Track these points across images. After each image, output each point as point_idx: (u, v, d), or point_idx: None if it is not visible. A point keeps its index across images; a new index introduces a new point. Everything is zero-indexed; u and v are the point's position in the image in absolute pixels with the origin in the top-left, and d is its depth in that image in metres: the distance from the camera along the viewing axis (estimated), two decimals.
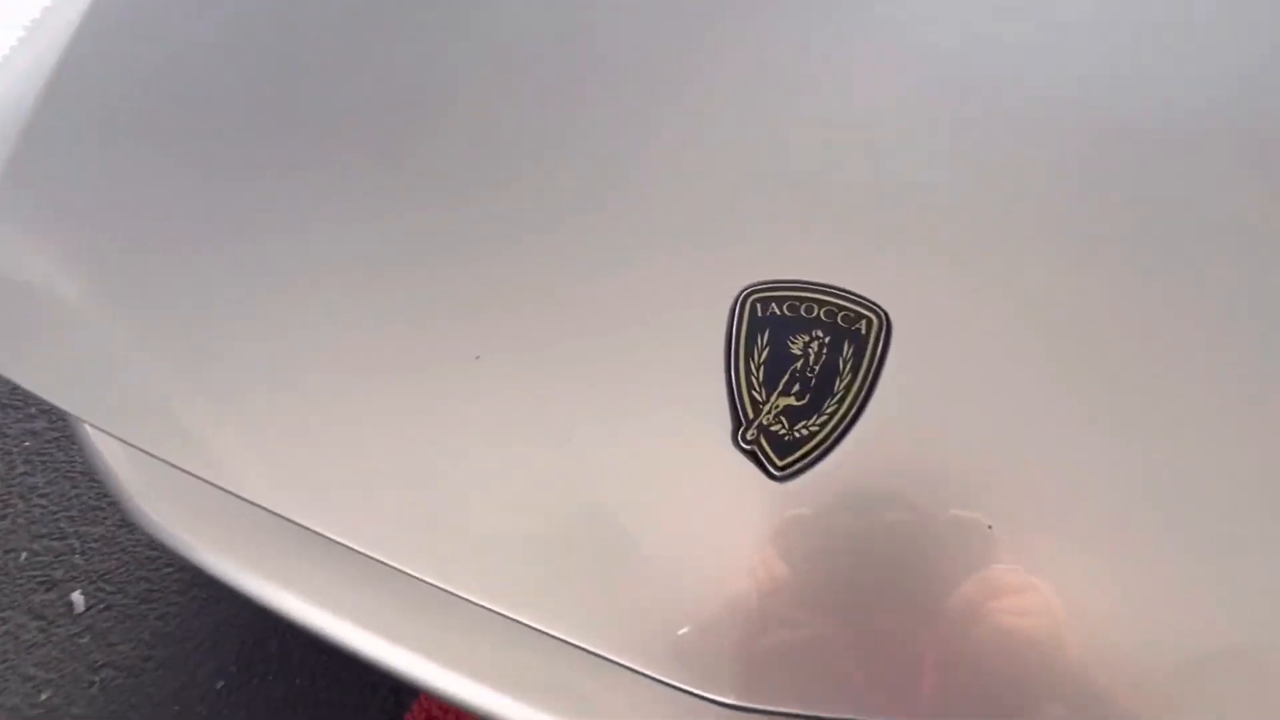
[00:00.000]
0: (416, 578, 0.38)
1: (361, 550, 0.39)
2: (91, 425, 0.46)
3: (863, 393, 0.34)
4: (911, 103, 0.38)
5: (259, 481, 0.43)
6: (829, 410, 0.34)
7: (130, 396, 0.46)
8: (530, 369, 0.37)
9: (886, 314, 0.35)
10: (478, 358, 0.37)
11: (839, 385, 0.34)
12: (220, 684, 1.09)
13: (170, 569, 1.21)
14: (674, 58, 0.41)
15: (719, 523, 0.33)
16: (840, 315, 0.36)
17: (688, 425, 0.35)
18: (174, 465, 0.46)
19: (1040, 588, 0.31)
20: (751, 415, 0.34)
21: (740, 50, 0.40)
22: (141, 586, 1.20)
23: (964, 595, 0.31)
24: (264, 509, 0.41)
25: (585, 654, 0.49)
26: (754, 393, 0.35)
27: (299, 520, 0.40)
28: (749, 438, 0.34)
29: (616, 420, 0.36)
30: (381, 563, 0.51)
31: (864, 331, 0.35)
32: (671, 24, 0.42)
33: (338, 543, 0.60)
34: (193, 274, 0.47)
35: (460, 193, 0.41)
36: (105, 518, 1.28)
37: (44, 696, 1.09)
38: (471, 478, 0.38)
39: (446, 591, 0.37)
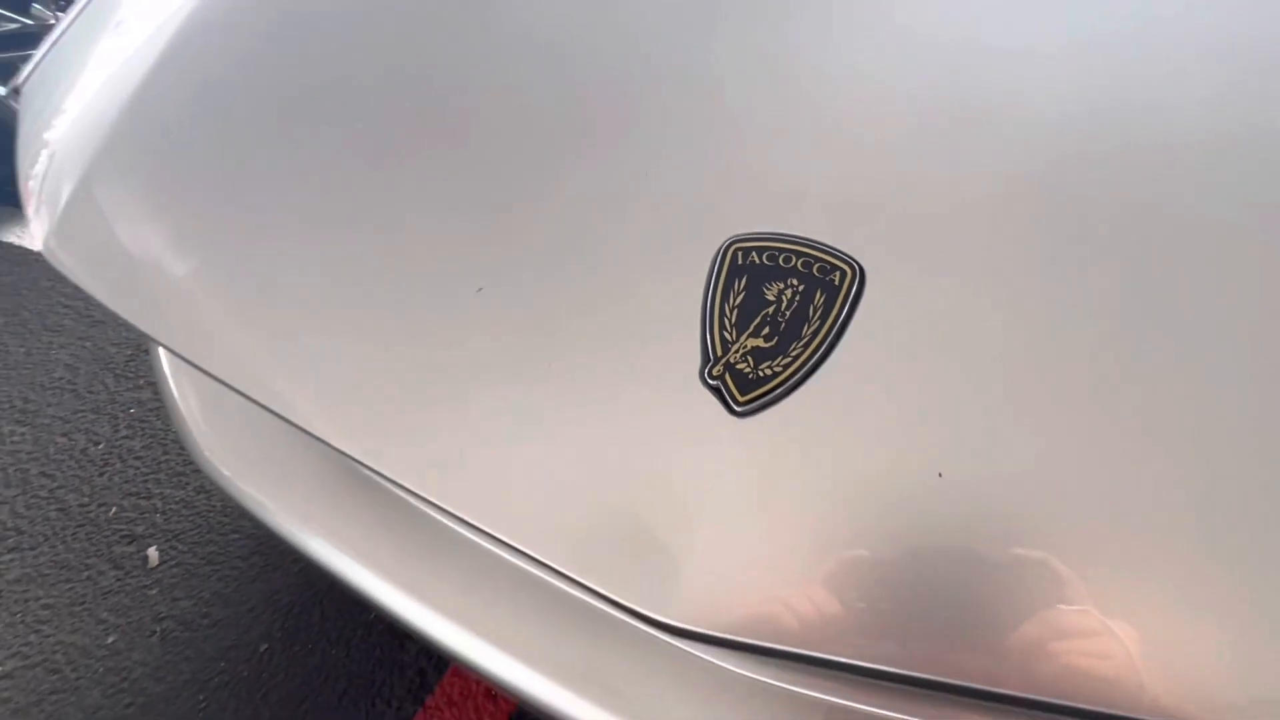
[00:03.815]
0: (428, 500, 0.40)
1: (365, 459, 0.41)
2: (168, 350, 0.52)
3: (829, 339, 0.35)
4: (910, 81, 0.39)
5: (306, 408, 0.47)
6: (794, 353, 0.35)
7: (204, 327, 0.52)
8: (528, 303, 0.40)
9: (862, 267, 0.36)
10: (480, 289, 0.40)
11: (807, 330, 0.35)
12: (264, 646, 1.15)
13: (236, 535, 1.30)
14: (682, 24, 0.44)
15: (677, 454, 0.35)
16: (816, 266, 0.37)
17: (659, 360, 0.36)
18: (230, 386, 0.51)
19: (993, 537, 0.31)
20: (720, 353, 0.36)
21: (748, 18, 0.43)
22: (210, 549, 1.28)
23: (909, 539, 0.31)
24: (305, 432, 0.45)
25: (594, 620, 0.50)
26: (725, 333, 0.36)
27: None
28: (715, 374, 0.36)
29: (595, 352, 0.38)
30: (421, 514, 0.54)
31: (837, 283, 0.36)
32: None
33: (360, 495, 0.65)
34: (260, 226, 0.53)
35: (481, 155, 0.45)
36: (188, 483, 1.38)
37: (110, 639, 1.18)
38: (468, 408, 0.40)
39: (451, 516, 0.39)
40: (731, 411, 0.35)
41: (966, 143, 0.37)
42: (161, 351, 0.81)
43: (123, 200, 0.59)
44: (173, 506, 1.35)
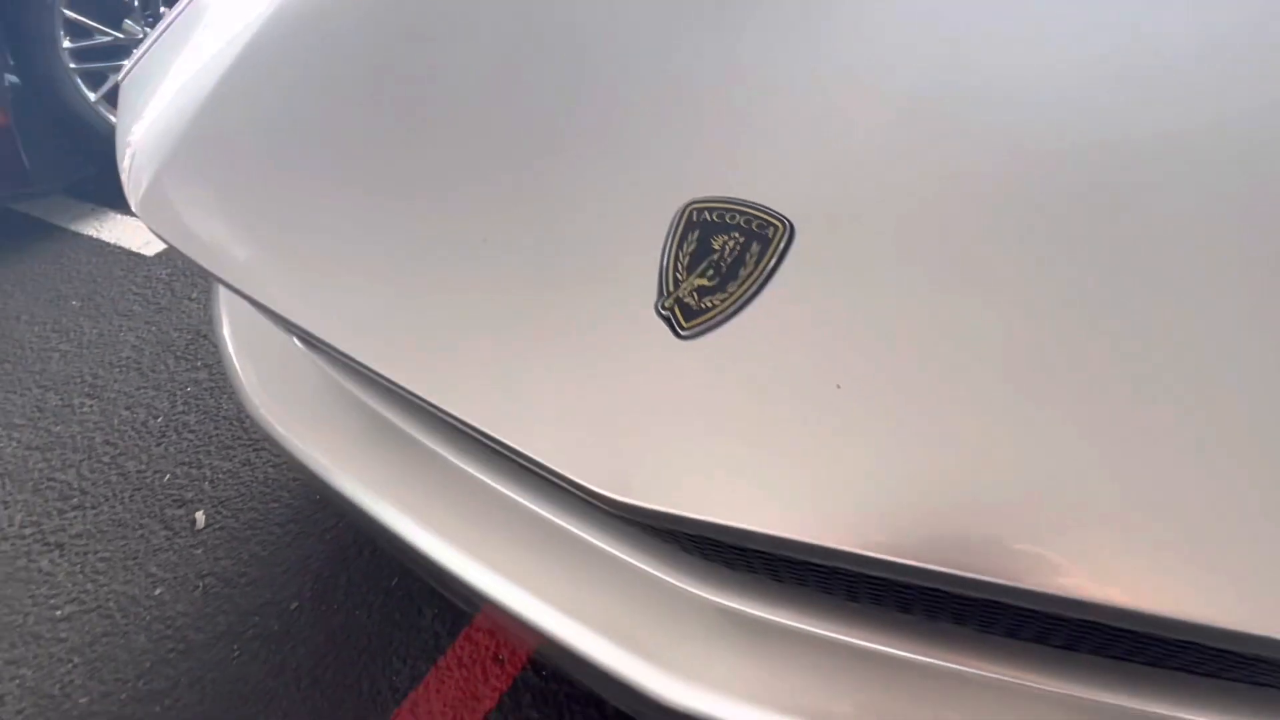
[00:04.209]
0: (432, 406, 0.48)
1: (388, 374, 0.49)
2: (230, 288, 0.61)
3: (760, 280, 0.42)
4: (862, 73, 0.47)
5: (341, 330, 0.55)
6: (731, 290, 0.42)
7: (260, 269, 0.61)
8: (524, 243, 0.48)
9: (792, 224, 0.43)
10: (484, 240, 0.49)
11: (743, 273, 0.42)
12: (294, 605, 1.25)
13: (276, 505, 1.40)
14: (667, 29, 0.53)
15: (635, 369, 0.42)
16: (754, 223, 0.44)
17: (626, 294, 0.44)
18: (277, 317, 0.60)
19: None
20: (671, 289, 0.43)
21: (726, 20, 0.51)
22: (251, 515, 1.39)
23: (812, 434, 0.38)
24: (338, 353, 0.53)
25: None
26: (677, 274, 0.44)
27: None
28: (666, 305, 0.43)
29: (577, 289, 0.46)
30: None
31: (770, 236, 0.43)
32: None
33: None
34: (306, 189, 0.62)
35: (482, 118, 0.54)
36: (235, 456, 1.50)
37: (158, 591, 1.29)
38: (469, 333, 0.49)
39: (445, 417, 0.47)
40: (678, 336, 0.42)
41: (901, 128, 0.44)
42: (225, 318, 0.92)
43: (197, 171, 0.69)
44: (220, 476, 1.47)
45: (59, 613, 1.27)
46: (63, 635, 1.23)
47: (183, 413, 1.61)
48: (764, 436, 0.39)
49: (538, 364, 0.45)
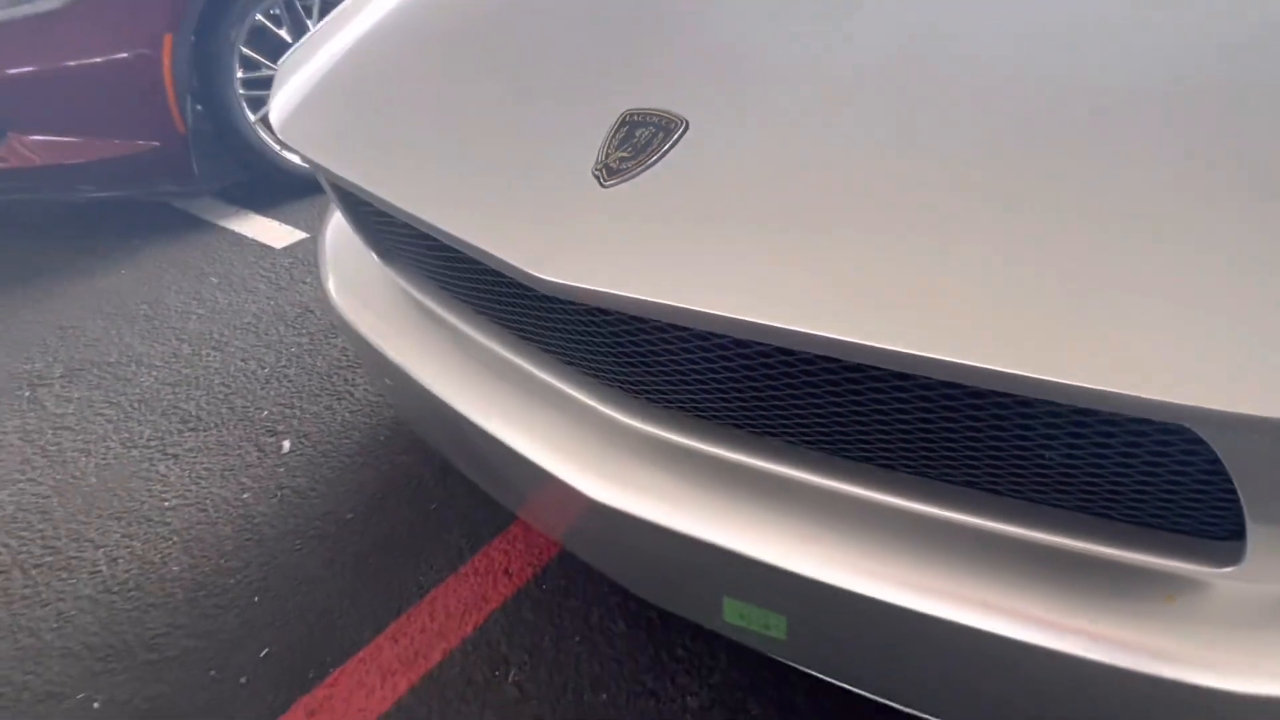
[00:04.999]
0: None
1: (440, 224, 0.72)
2: (346, 182, 0.84)
3: (661, 153, 0.61)
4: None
5: (394, 192, 0.77)
6: (641, 159, 0.61)
7: (366, 165, 0.85)
8: (523, 136, 0.70)
9: (688, 121, 0.63)
10: (501, 130, 0.71)
11: (650, 148, 0.62)
12: (349, 516, 1.47)
13: (347, 442, 1.65)
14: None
15: (572, 203, 0.62)
16: (665, 121, 0.63)
17: (576, 158, 0.65)
18: (371, 196, 0.84)
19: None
20: (603, 158, 0.63)
21: None
22: (326, 447, 1.64)
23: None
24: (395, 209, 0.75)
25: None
26: (609, 149, 0.63)
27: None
28: (597, 166, 0.63)
29: (544, 155, 0.67)
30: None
31: (672, 128, 0.62)
32: None
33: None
34: (384, 111, 0.86)
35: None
36: (320, 402, 1.77)
37: (245, 496, 1.55)
38: (481, 174, 0.70)
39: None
40: (602, 186, 0.62)
41: (777, 68, 0.64)
42: (326, 248, 1.18)
43: (312, 109, 0.95)
44: (307, 416, 1.74)
45: (167, 504, 1.54)
46: (168, 520, 1.50)
47: (285, 367, 1.90)
48: (649, 241, 0.58)
49: (515, 204, 0.66)
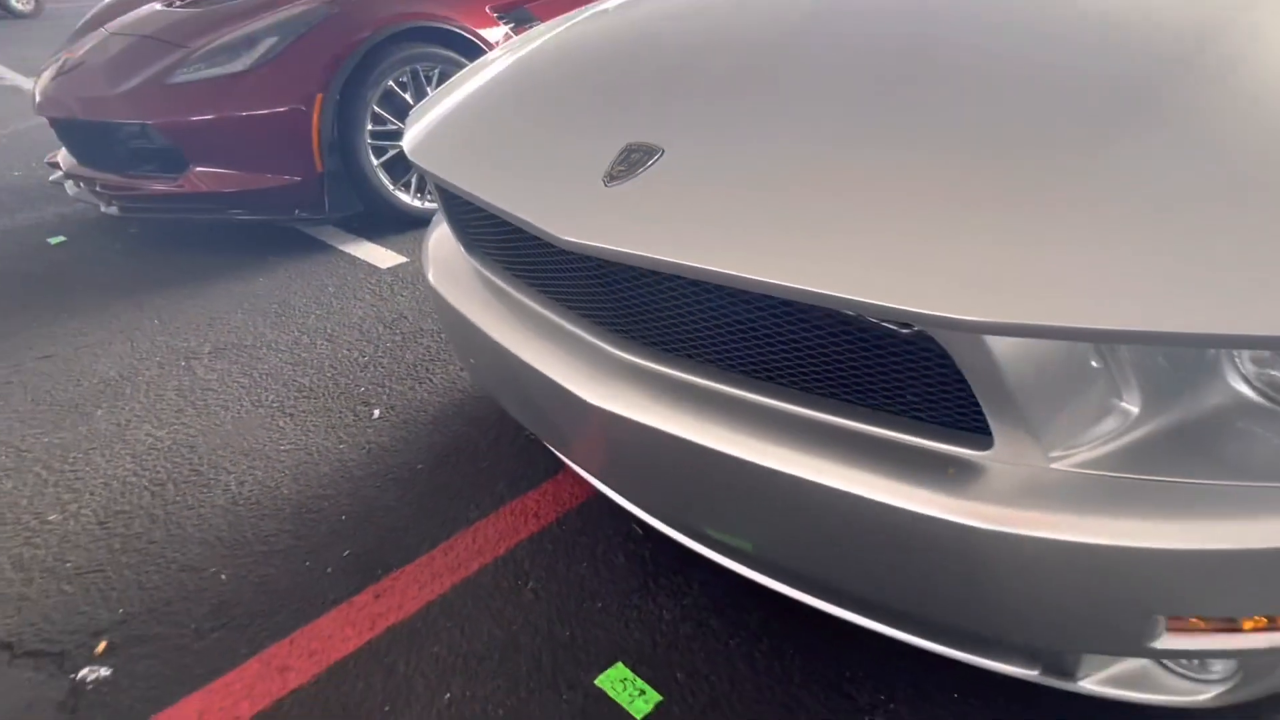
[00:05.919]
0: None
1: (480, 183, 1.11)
2: (450, 185, 1.25)
3: (646, 168, 0.97)
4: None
5: (487, 189, 1.18)
6: (632, 171, 0.97)
7: (468, 170, 1.26)
8: (558, 156, 1.09)
9: (664, 148, 0.99)
10: (546, 153, 1.10)
11: (639, 165, 0.98)
12: (419, 466, 1.84)
13: (424, 414, 2.03)
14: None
15: (584, 190, 0.99)
16: (650, 148, 0.99)
17: (592, 166, 1.02)
18: (474, 198, 1.24)
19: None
20: (609, 170, 1.00)
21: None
22: (406, 417, 2.03)
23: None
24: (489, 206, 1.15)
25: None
26: (613, 165, 1.00)
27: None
28: (604, 175, 0.99)
29: (571, 169, 1.04)
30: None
31: (654, 152, 0.98)
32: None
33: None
34: (482, 137, 1.27)
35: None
36: (406, 383, 2.17)
37: (340, 447, 1.94)
38: (534, 173, 1.09)
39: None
40: (606, 186, 0.99)
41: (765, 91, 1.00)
42: (429, 246, 1.60)
43: (433, 139, 1.37)
44: (394, 393, 2.14)
45: (282, 448, 1.95)
46: (282, 459, 1.91)
47: (380, 357, 2.33)
48: (631, 217, 0.94)
49: (551, 194, 1.03)
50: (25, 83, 6.82)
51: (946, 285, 0.77)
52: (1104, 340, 0.78)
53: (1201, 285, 0.72)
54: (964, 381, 0.84)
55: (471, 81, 1.49)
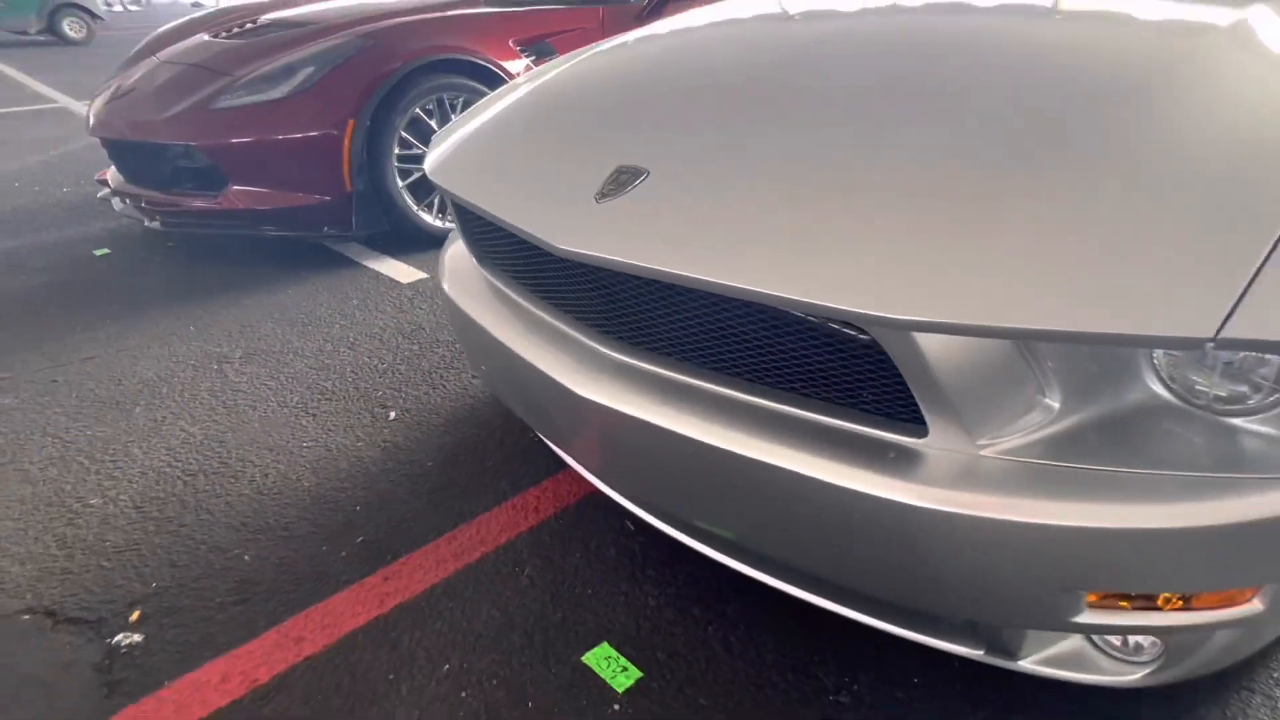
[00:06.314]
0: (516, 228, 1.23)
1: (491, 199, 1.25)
2: (468, 204, 1.39)
3: (633, 187, 1.10)
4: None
5: (496, 205, 1.32)
6: (621, 190, 1.10)
7: (484, 189, 1.41)
8: (561, 175, 1.22)
9: (650, 170, 1.12)
10: (547, 177, 1.23)
11: (627, 185, 1.11)
12: (430, 464, 1.97)
13: (437, 416, 2.17)
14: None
15: (577, 205, 1.12)
16: (637, 170, 1.12)
17: (588, 183, 1.15)
18: (487, 213, 1.39)
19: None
20: (600, 188, 1.13)
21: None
22: (421, 419, 2.17)
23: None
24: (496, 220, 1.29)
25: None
26: (605, 184, 1.13)
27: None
28: (596, 193, 1.13)
29: (568, 190, 1.18)
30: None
31: (640, 173, 1.12)
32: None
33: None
34: (502, 148, 1.42)
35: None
36: (420, 388, 2.31)
37: (358, 444, 2.08)
38: (537, 195, 1.23)
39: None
40: (597, 203, 1.12)
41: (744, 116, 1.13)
42: (445, 258, 1.74)
43: (451, 162, 1.52)
44: (410, 397, 2.28)
45: (305, 444, 2.09)
46: (304, 454, 2.05)
47: (398, 364, 2.48)
48: (618, 229, 1.07)
49: (550, 209, 1.17)
50: (76, 105, 7.19)
51: (881, 288, 0.89)
52: (1020, 338, 0.89)
53: (1116, 290, 0.83)
54: (901, 376, 0.95)
55: (488, 110, 1.65)
